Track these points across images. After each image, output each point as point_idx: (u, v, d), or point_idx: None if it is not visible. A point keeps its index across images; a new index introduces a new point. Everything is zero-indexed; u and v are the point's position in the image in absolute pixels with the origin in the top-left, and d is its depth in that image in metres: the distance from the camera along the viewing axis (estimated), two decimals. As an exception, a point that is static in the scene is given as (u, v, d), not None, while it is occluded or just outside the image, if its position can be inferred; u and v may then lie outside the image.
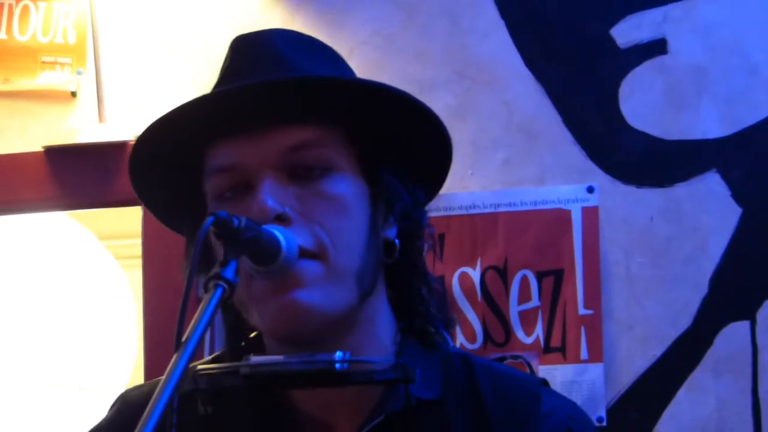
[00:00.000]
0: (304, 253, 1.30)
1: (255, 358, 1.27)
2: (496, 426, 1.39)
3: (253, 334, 1.45)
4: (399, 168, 1.41)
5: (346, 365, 1.25)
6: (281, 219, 1.31)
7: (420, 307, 1.44)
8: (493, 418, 1.39)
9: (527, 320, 2.62)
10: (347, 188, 1.35)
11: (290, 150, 1.34)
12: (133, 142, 1.44)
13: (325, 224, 1.32)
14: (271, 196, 1.31)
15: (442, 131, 1.42)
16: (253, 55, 1.44)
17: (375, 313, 1.40)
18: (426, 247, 1.46)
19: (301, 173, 1.34)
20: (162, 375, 1.11)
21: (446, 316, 1.47)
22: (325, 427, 1.38)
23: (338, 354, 1.25)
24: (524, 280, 2.64)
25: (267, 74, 1.38)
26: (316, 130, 1.35)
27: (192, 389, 1.32)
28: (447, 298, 1.50)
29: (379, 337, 1.40)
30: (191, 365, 1.34)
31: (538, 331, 2.62)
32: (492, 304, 2.62)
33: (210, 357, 1.47)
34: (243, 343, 1.44)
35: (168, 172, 1.46)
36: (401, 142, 1.41)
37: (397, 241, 1.41)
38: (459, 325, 2.61)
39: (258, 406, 1.39)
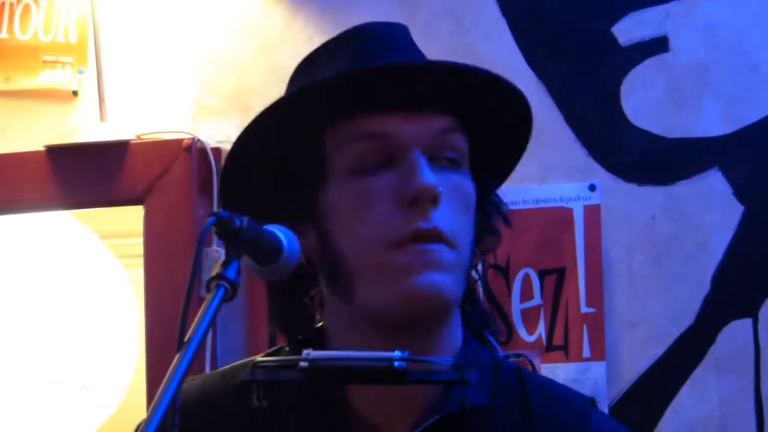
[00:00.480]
0: (443, 237, 1.32)
1: (313, 353, 1.27)
2: None
3: (320, 324, 1.45)
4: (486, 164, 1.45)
5: (404, 364, 1.25)
6: (436, 199, 1.32)
7: (480, 306, 1.47)
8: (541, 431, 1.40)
9: (529, 318, 2.62)
10: (469, 183, 1.38)
11: (441, 132, 1.36)
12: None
13: (456, 214, 1.35)
14: (431, 173, 1.33)
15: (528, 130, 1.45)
16: (387, 43, 1.44)
17: (455, 319, 1.42)
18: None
19: (442, 158, 1.36)
20: (164, 374, 1.11)
21: (493, 320, 1.50)
22: (379, 427, 1.38)
23: (397, 353, 1.25)
24: (526, 279, 2.64)
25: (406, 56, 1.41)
26: (452, 118, 1.37)
27: (249, 380, 1.31)
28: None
29: (455, 334, 1.41)
30: (250, 358, 1.35)
31: (541, 329, 2.62)
32: (494, 303, 2.62)
33: (269, 350, 1.48)
34: (300, 337, 1.44)
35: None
36: (495, 139, 1.44)
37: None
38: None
39: (313, 402, 1.39)
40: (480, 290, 1.48)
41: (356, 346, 1.33)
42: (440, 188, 1.32)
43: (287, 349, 1.45)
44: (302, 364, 1.26)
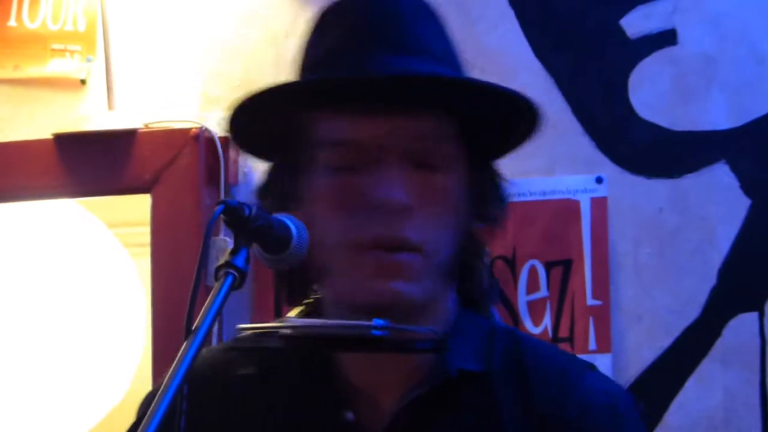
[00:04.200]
0: (408, 245, 1.33)
1: (294, 320, 1.28)
2: (539, 400, 1.39)
3: (309, 300, 1.46)
4: (490, 158, 1.45)
5: (383, 332, 1.25)
6: (404, 210, 1.33)
7: (478, 277, 1.46)
8: (537, 393, 1.40)
9: (535, 310, 2.63)
10: (454, 183, 1.38)
11: (417, 139, 1.35)
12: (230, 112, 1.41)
13: (433, 219, 1.35)
14: (401, 187, 1.33)
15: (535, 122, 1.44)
16: (380, 24, 1.41)
17: (444, 296, 1.43)
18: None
19: (422, 163, 1.35)
20: (170, 363, 1.12)
21: (493, 287, 1.52)
22: (370, 397, 1.39)
23: (376, 321, 1.26)
24: (533, 270, 2.64)
25: (397, 53, 1.38)
26: (437, 121, 1.36)
27: (232, 347, 1.32)
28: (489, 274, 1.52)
29: (442, 311, 1.42)
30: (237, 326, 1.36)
31: (546, 321, 2.62)
32: (500, 294, 2.62)
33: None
34: (300, 308, 1.45)
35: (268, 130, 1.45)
36: (497, 131, 1.44)
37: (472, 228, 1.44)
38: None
39: (302, 369, 1.40)
40: (483, 264, 1.48)
41: (343, 318, 1.35)
42: (405, 200, 1.32)
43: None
44: (283, 331, 1.27)
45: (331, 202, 1.36)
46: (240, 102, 1.41)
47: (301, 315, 1.44)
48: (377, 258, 1.33)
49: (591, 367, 1.47)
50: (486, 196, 1.43)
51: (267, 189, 1.46)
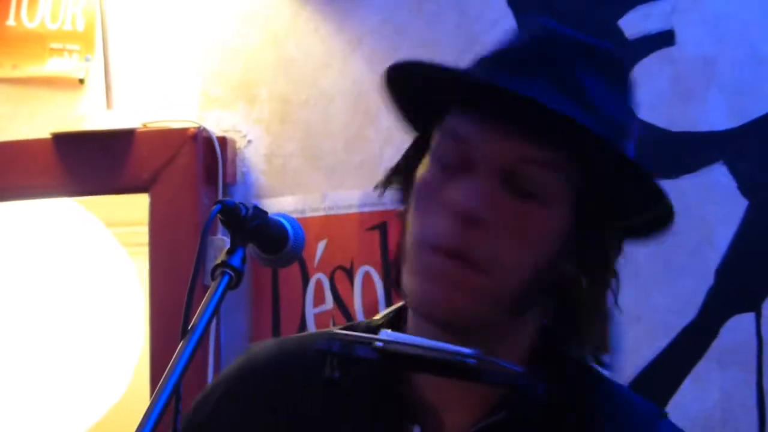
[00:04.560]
0: (468, 257, 1.29)
1: (389, 333, 1.27)
2: None
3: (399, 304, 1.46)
4: (606, 217, 1.39)
5: (475, 362, 1.24)
6: (473, 222, 1.29)
7: (573, 338, 1.39)
8: None
9: (533, 310, 2.63)
10: (548, 218, 1.32)
11: (520, 161, 1.30)
12: None
13: (506, 242, 1.30)
14: (480, 197, 1.29)
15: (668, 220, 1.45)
16: (547, 61, 1.38)
17: (520, 327, 1.38)
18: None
19: (517, 186, 1.31)
20: (168, 362, 1.12)
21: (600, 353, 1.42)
22: (435, 412, 1.38)
23: (470, 349, 1.24)
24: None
25: (537, 79, 1.34)
26: (555, 153, 1.31)
27: (325, 350, 1.32)
28: (609, 335, 1.46)
29: (513, 347, 1.38)
30: (327, 329, 1.35)
31: (544, 321, 2.62)
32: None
33: (347, 324, 1.48)
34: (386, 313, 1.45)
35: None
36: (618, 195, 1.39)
37: (567, 272, 1.37)
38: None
39: (379, 379, 1.39)
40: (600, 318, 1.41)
41: (419, 331, 1.34)
42: (478, 210, 1.28)
43: (365, 322, 1.46)
44: (377, 343, 1.26)
45: (419, 193, 1.34)
46: (401, 65, 1.37)
47: (385, 319, 1.43)
48: (433, 260, 1.30)
49: (663, 415, 1.45)
50: (588, 250, 1.37)
51: (397, 168, 1.43)
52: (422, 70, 1.35)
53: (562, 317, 1.38)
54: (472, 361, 1.22)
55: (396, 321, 1.44)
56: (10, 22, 2.99)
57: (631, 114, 1.45)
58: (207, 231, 1.22)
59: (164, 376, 1.09)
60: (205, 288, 1.19)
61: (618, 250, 1.43)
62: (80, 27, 2.95)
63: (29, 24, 2.98)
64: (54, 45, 2.96)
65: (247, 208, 1.22)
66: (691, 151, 2.61)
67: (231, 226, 1.22)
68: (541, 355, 1.39)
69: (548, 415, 1.35)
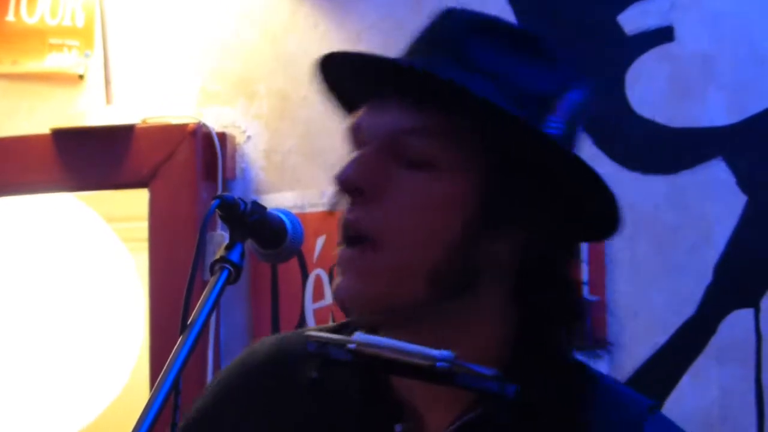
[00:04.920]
0: (359, 230, 1.28)
1: (362, 336, 1.27)
2: None
3: None
4: (531, 192, 1.32)
5: (447, 365, 1.23)
6: (359, 192, 1.28)
7: (540, 323, 1.37)
8: None
9: (532, 306, 2.63)
10: (444, 186, 1.30)
11: (403, 132, 1.29)
12: None
13: (402, 214, 1.29)
14: (357, 166, 1.29)
15: (589, 175, 1.35)
16: (438, 35, 1.38)
17: (473, 315, 1.35)
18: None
19: (405, 157, 1.30)
20: (167, 357, 1.12)
21: (579, 334, 1.39)
22: (419, 413, 1.37)
23: (442, 353, 1.21)
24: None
25: (431, 55, 1.34)
26: (440, 118, 1.29)
27: (305, 352, 1.32)
28: (585, 317, 1.41)
29: (476, 341, 1.35)
30: (303, 329, 1.35)
31: (543, 317, 2.62)
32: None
33: (337, 324, 1.47)
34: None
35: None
36: (539, 170, 1.33)
37: (506, 253, 1.33)
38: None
39: (360, 379, 1.39)
40: (570, 299, 1.38)
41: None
42: (357, 180, 1.28)
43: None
44: (350, 345, 1.27)
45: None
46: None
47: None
48: (339, 253, 1.30)
49: (653, 408, 1.42)
50: (513, 218, 1.32)
51: None
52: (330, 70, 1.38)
53: (524, 302, 1.36)
54: (442, 364, 1.22)
55: None
56: (10, 17, 2.99)
57: (561, 88, 1.40)
58: (206, 226, 1.22)
59: (164, 370, 1.09)
60: (205, 283, 1.19)
61: (566, 232, 1.36)
62: (80, 23, 2.95)
63: (29, 20, 2.98)
64: (53, 41, 2.96)
65: (246, 204, 1.22)
66: (690, 147, 2.61)
67: (230, 221, 1.22)
68: (522, 348, 1.36)
69: (526, 412, 1.32)
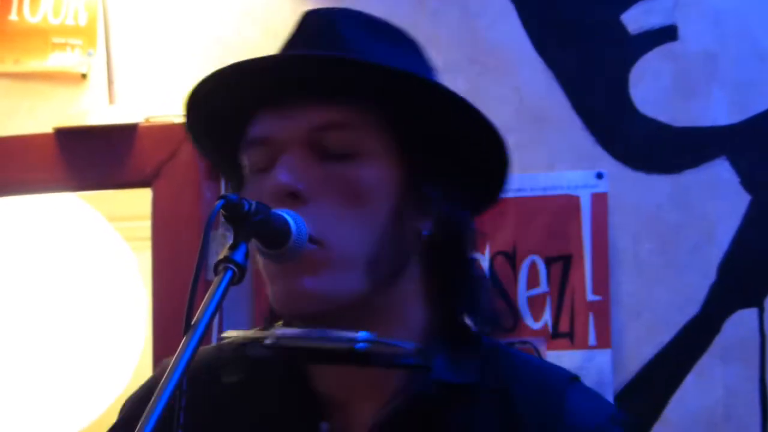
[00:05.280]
0: (311, 238, 1.28)
1: (280, 330, 1.27)
2: (523, 421, 1.36)
3: None
4: (442, 167, 1.37)
5: (366, 345, 1.24)
6: (295, 196, 1.29)
7: (453, 299, 1.40)
8: (520, 413, 1.36)
9: (535, 306, 2.63)
10: (370, 173, 1.32)
11: (318, 129, 1.31)
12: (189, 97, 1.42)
13: (336, 209, 1.30)
14: (289, 171, 1.30)
15: (491, 135, 1.38)
16: (312, 32, 1.40)
17: (403, 300, 1.37)
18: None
19: (328, 153, 1.31)
20: (170, 357, 1.12)
21: (487, 311, 1.42)
22: (345, 407, 1.37)
23: (361, 333, 1.24)
24: (533, 266, 2.64)
25: (316, 50, 1.36)
26: (350, 111, 1.32)
27: (216, 357, 1.31)
28: (490, 294, 1.44)
29: (407, 325, 1.37)
30: (221, 334, 1.35)
31: (546, 316, 2.62)
32: (501, 290, 2.62)
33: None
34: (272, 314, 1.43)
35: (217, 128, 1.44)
36: (447, 141, 1.37)
37: (425, 232, 1.37)
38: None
39: (279, 377, 1.38)
40: (475, 276, 1.42)
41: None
42: (298, 185, 1.29)
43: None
44: (267, 341, 1.26)
45: None
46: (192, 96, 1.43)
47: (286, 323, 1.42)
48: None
49: (573, 379, 1.43)
50: (428, 198, 1.36)
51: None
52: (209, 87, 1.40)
53: (438, 285, 1.38)
54: (362, 345, 1.22)
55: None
56: (13, 16, 2.98)
57: (427, 70, 1.44)
58: (210, 226, 1.21)
59: (167, 371, 1.09)
60: (208, 283, 1.18)
61: (468, 203, 1.40)
62: (82, 22, 2.95)
63: (31, 19, 2.98)
64: (56, 40, 2.96)
65: (249, 204, 1.22)
66: (694, 146, 2.61)
67: (234, 221, 1.22)
68: (440, 332, 1.38)
69: (449, 395, 1.34)
